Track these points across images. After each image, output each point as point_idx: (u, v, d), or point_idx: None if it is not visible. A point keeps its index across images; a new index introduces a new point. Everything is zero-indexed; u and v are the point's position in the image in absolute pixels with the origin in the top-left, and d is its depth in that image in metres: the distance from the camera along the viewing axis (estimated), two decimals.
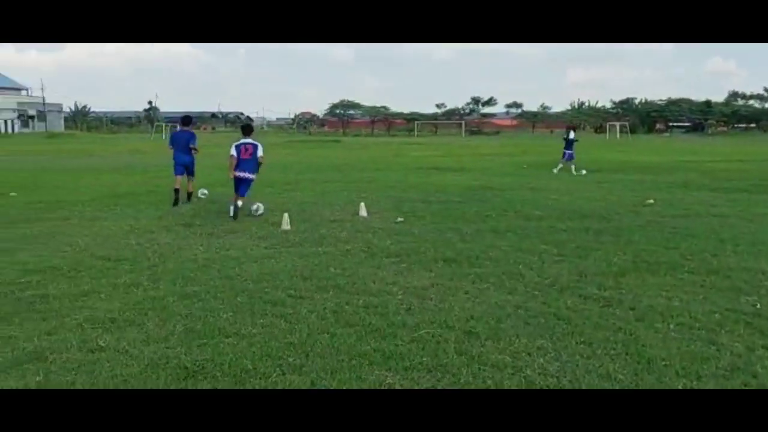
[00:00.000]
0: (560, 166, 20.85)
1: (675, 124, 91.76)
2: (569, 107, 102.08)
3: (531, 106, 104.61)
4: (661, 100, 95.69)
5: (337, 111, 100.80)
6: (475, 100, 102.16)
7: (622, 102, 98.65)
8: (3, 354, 4.40)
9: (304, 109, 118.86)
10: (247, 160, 10.66)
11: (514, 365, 4.18)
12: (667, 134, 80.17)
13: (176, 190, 12.15)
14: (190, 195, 12.58)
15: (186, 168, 12.37)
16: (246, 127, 11.57)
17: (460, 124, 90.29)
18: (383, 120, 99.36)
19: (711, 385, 3.89)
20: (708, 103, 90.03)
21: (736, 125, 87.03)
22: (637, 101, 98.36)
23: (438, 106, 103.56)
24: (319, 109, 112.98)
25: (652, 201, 12.81)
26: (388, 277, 6.52)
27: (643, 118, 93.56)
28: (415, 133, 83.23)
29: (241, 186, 10.67)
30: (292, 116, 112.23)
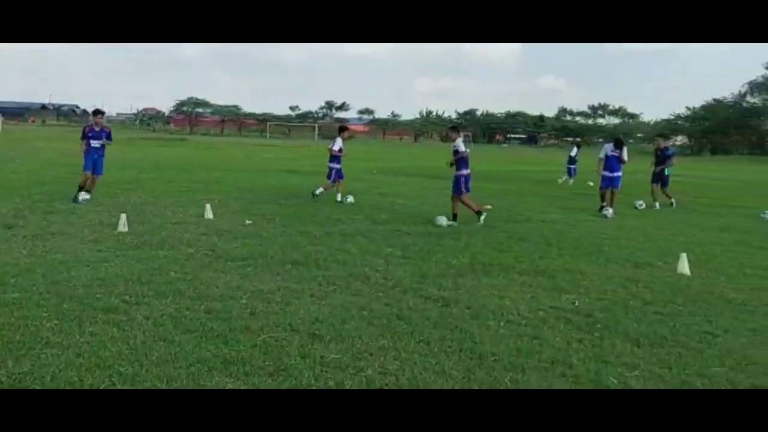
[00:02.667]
0: (565, 178, 22.86)
1: (512, 135, 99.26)
2: (418, 116, 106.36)
3: (382, 113, 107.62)
4: (500, 113, 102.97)
5: (184, 109, 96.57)
6: (329, 105, 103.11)
7: (466, 113, 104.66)
8: None
9: (147, 105, 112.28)
10: None
11: (356, 365, 4.26)
12: (506, 145, 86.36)
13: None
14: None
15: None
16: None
17: (314, 127, 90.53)
18: (234, 120, 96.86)
19: (534, 377, 4.23)
20: (541, 118, 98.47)
21: (564, 138, 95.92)
22: (479, 113, 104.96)
23: (292, 108, 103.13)
24: (165, 106, 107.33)
25: (489, 207, 13.71)
26: (232, 281, 6.35)
27: (485, 128, 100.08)
28: (268, 134, 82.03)
29: None
30: (134, 112, 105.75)
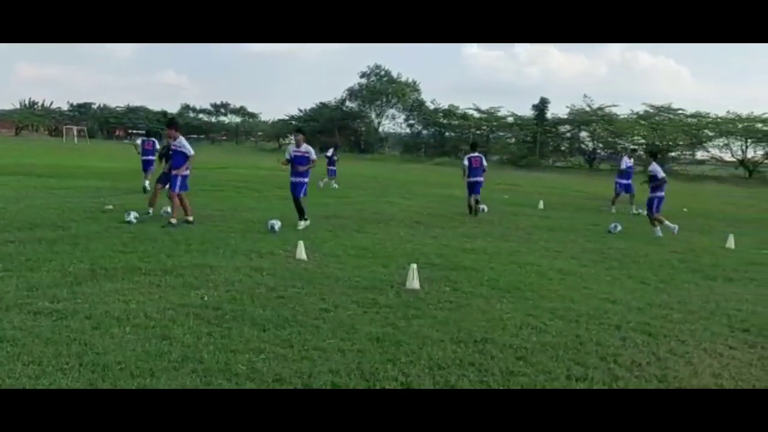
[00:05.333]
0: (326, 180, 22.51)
1: (134, 131, 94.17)
2: (18, 106, 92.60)
3: None
4: (119, 106, 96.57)
5: None
6: None
7: (80, 105, 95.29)
8: None
9: None
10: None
11: None
12: (127, 141, 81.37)
13: None
14: None
15: None
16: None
17: None
18: None
19: (164, 378, 4.13)
20: (164, 113, 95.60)
21: (189, 135, 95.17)
22: (95, 106, 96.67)
23: None
24: None
25: (111, 207, 12.78)
26: None
27: (102, 123, 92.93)
28: None
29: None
30: None
